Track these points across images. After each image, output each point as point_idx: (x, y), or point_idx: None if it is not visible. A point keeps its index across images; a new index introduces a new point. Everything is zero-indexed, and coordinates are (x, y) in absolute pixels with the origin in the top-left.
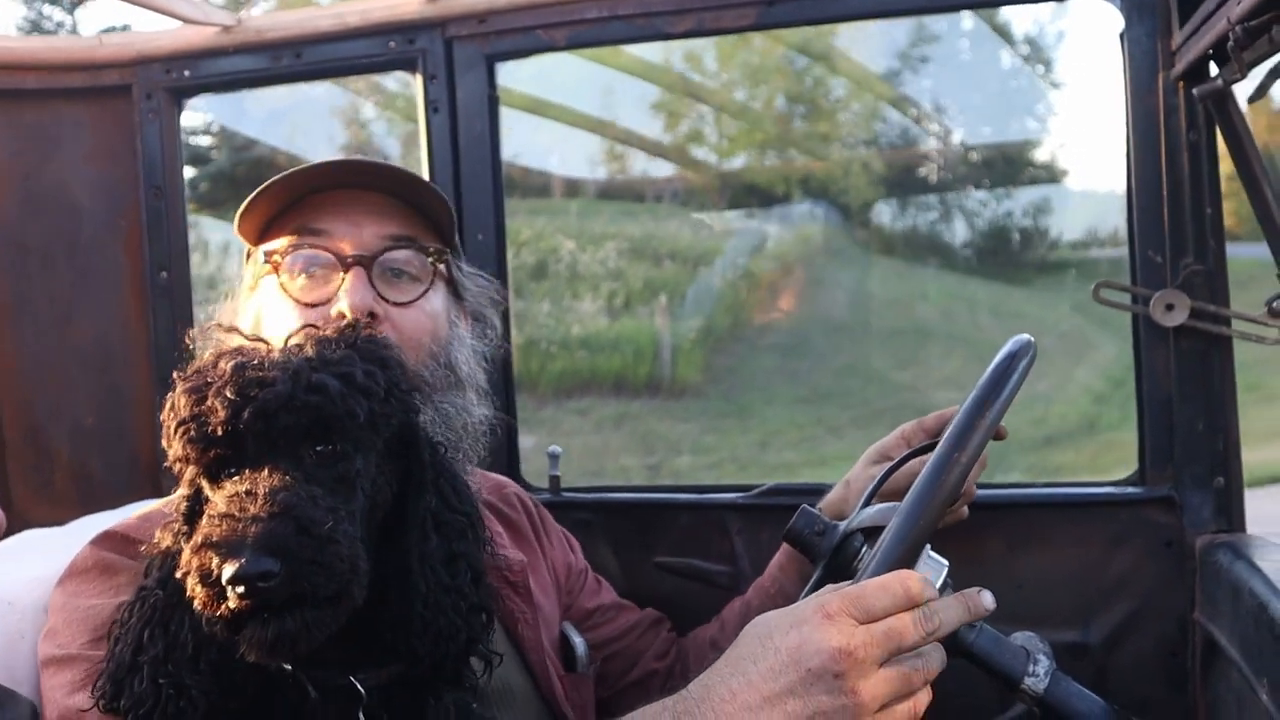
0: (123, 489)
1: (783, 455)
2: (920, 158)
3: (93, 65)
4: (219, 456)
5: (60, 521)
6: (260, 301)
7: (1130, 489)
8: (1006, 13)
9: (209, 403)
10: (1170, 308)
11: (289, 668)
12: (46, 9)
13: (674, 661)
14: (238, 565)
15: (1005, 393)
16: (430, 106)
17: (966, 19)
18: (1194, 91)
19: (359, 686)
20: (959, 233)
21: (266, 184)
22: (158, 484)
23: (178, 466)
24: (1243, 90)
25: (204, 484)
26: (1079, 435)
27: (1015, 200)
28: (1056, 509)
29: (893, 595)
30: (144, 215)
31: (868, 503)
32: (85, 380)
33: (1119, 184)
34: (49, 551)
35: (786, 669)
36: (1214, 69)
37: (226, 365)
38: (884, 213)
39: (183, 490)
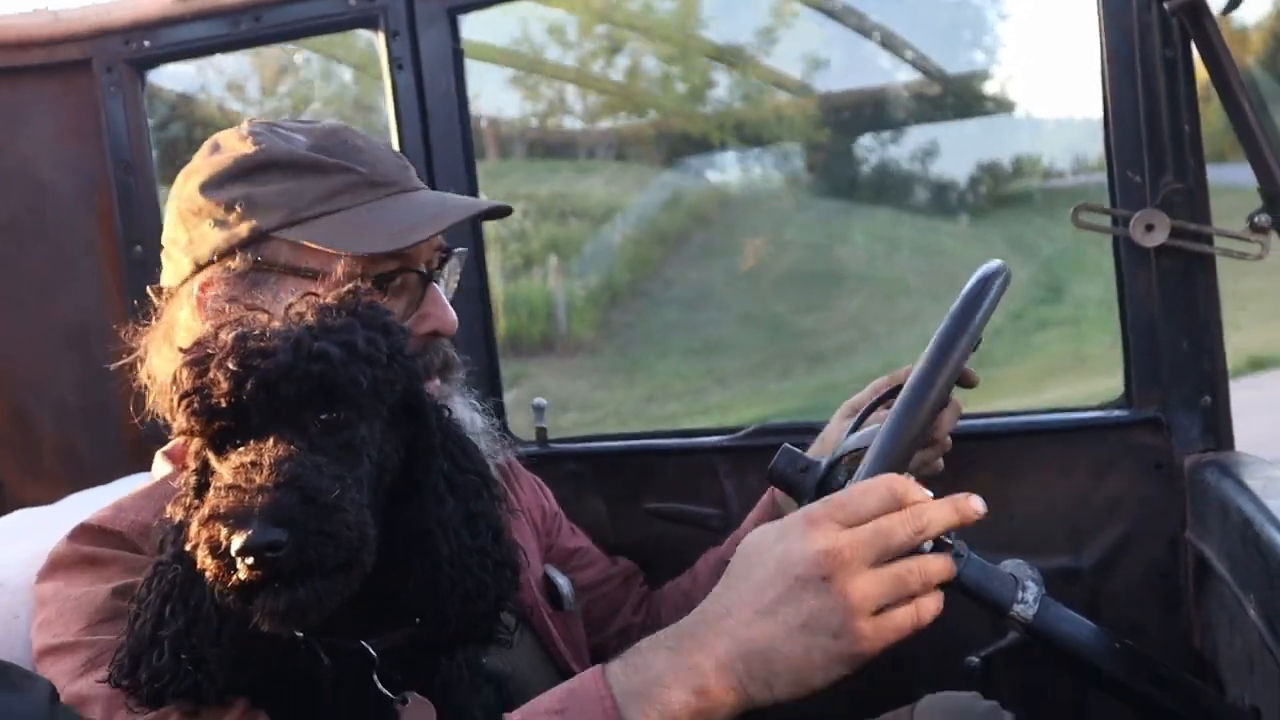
0: (111, 464)
1: (666, 407)
2: (866, 96)
3: (50, 41)
4: (223, 428)
5: (51, 500)
6: None
7: (1117, 412)
8: None
9: (211, 375)
10: (1150, 228)
11: (300, 635)
12: None
13: (646, 617)
14: (246, 536)
15: (981, 311)
16: (394, 64)
17: None
18: (1166, 6)
19: (371, 650)
20: (900, 172)
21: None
22: (144, 457)
23: (183, 440)
24: (1218, 4)
25: (210, 456)
26: (979, 367)
27: (960, 135)
28: (1043, 435)
29: (878, 497)
30: (114, 191)
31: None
32: (66, 358)
33: (1066, 111)
34: (40, 531)
35: (775, 580)
36: None
37: (227, 336)
38: (823, 156)
39: (190, 464)
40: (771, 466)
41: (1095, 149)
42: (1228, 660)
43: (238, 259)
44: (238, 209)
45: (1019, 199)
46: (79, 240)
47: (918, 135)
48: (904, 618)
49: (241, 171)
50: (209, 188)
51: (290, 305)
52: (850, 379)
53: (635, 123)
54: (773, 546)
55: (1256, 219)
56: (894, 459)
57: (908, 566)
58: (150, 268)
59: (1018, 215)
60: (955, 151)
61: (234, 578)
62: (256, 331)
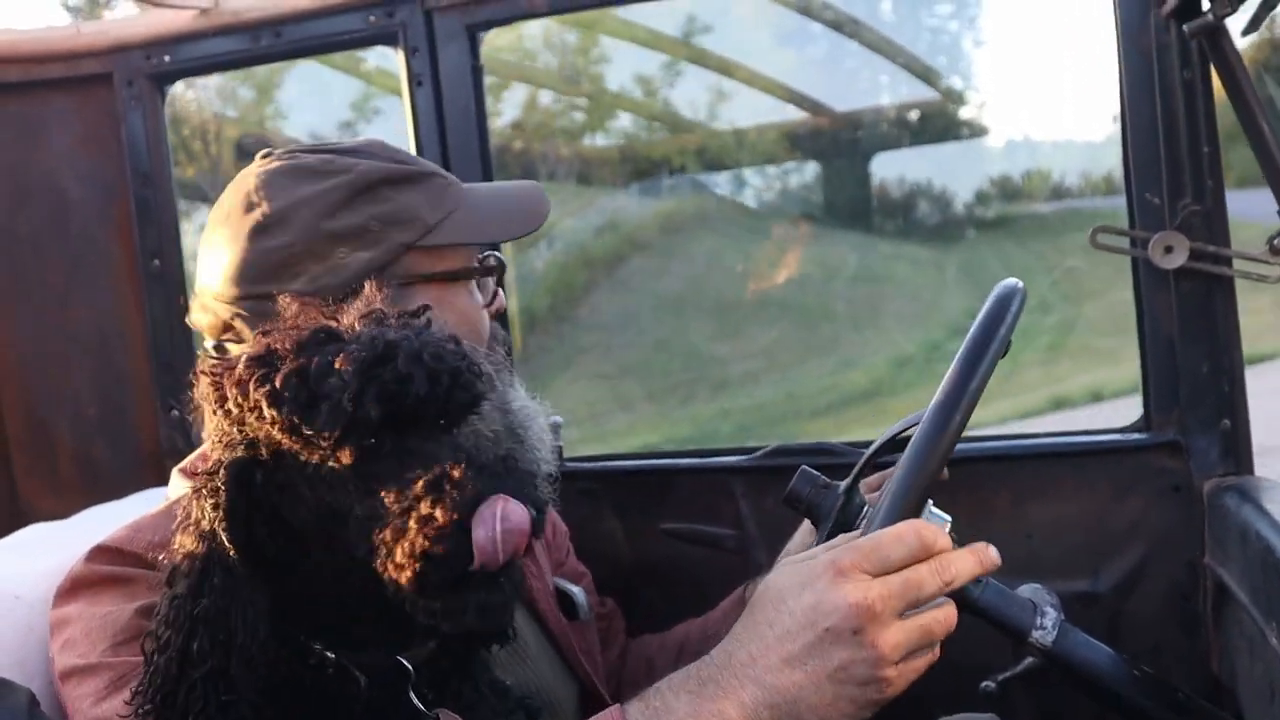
0: (127, 475)
1: (567, 432)
2: (840, 119)
3: (72, 55)
4: (401, 422)
5: (67, 511)
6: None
7: (1136, 435)
8: None
9: (402, 370)
10: (1169, 250)
11: (332, 655)
12: None
13: (618, 660)
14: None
15: (1000, 334)
16: (413, 80)
17: None
18: (1185, 28)
19: (407, 664)
20: (864, 197)
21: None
22: (161, 468)
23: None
24: (1238, 25)
25: (343, 453)
26: (869, 399)
27: (932, 160)
28: (1062, 458)
29: (908, 546)
30: (132, 203)
31: (859, 477)
32: (84, 369)
33: (1047, 135)
34: (55, 546)
35: (803, 629)
36: (1205, 4)
37: (394, 336)
38: (781, 180)
39: (339, 461)
40: (789, 489)
41: (1074, 175)
42: (1247, 687)
43: (386, 278)
44: (374, 229)
45: (992, 225)
46: (97, 252)
47: (887, 160)
48: (926, 661)
49: (352, 195)
50: (326, 216)
51: (365, 314)
52: (749, 406)
53: (599, 144)
54: (799, 594)
55: (1276, 241)
56: (916, 493)
57: (935, 617)
58: (168, 280)
59: (989, 241)
60: (926, 177)
61: (452, 567)
62: (422, 334)
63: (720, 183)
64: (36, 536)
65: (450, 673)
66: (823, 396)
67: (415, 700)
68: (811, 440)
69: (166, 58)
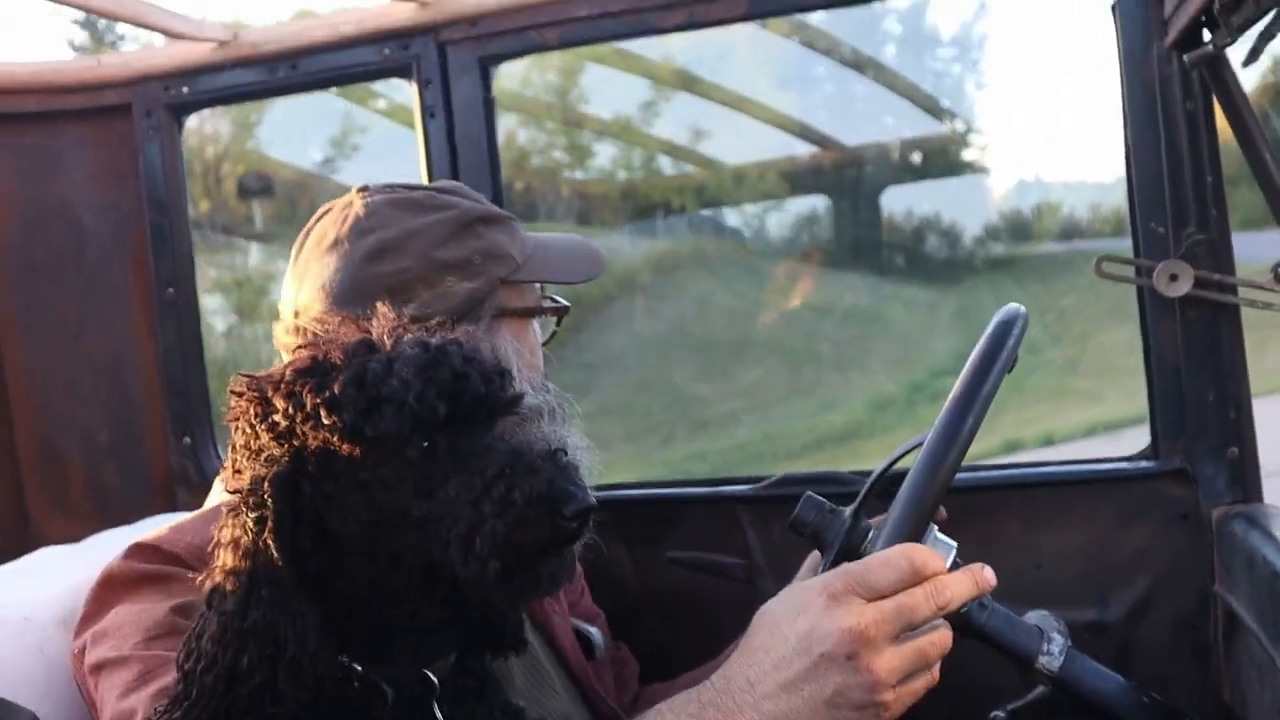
0: (137, 501)
1: None
2: (844, 155)
3: (92, 86)
4: (457, 421)
5: (77, 535)
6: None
7: (1144, 463)
8: (933, 18)
9: (459, 370)
10: (1174, 278)
11: (359, 668)
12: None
13: (630, 705)
14: (580, 500)
15: (1001, 359)
16: (426, 112)
17: (893, 23)
18: (1187, 59)
19: (433, 677)
20: (870, 238)
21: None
22: (171, 495)
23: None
24: (1239, 55)
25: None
26: (845, 441)
27: (937, 199)
28: (1070, 486)
29: (897, 570)
30: (148, 233)
31: (864, 502)
32: (96, 395)
33: (1055, 177)
34: (65, 569)
35: (799, 655)
36: (1207, 35)
37: (438, 342)
38: (780, 219)
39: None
40: (795, 515)
41: (1083, 209)
42: (1258, 715)
43: (482, 309)
44: (476, 262)
45: (996, 265)
46: (112, 280)
47: (893, 197)
48: (923, 684)
49: (460, 228)
50: (438, 246)
51: (392, 329)
52: (726, 447)
53: (599, 183)
54: (794, 620)
55: None
56: (918, 518)
57: (930, 640)
58: (181, 309)
59: (988, 282)
60: (934, 213)
61: (536, 538)
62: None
63: (719, 222)
64: (47, 559)
65: (469, 692)
66: (799, 438)
67: (439, 714)
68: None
69: (185, 89)
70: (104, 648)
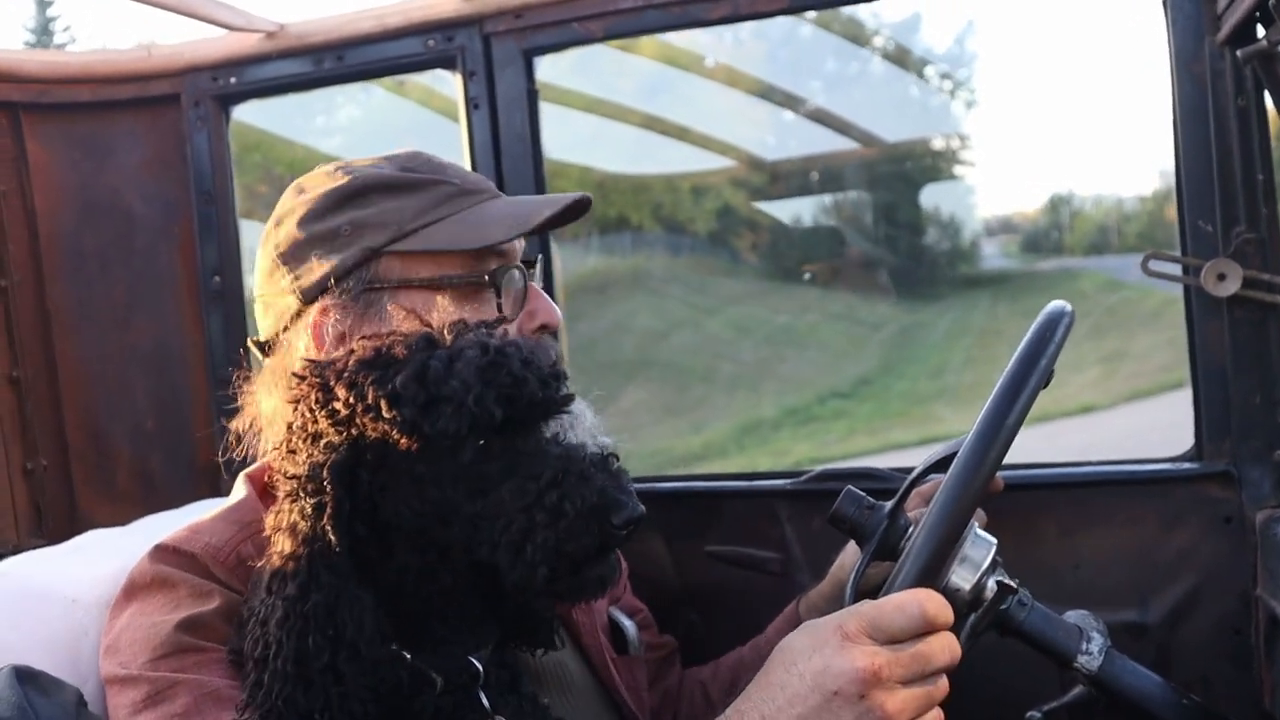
0: (183, 488)
1: None
2: (813, 162)
3: (142, 76)
4: (513, 423)
5: (123, 521)
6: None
7: (1187, 465)
8: (924, 37)
9: (518, 374)
10: (1222, 277)
11: (408, 656)
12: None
13: (663, 702)
14: (632, 508)
15: (1045, 358)
16: (470, 103)
17: (882, 42)
18: (1239, 54)
19: (478, 665)
20: (807, 255)
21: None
22: (216, 483)
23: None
24: None
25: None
26: (693, 463)
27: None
28: (1112, 487)
29: (909, 616)
30: (195, 221)
31: (903, 498)
32: (144, 383)
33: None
34: (112, 551)
35: (811, 693)
36: (1260, 31)
37: (498, 342)
38: (728, 237)
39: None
40: (834, 509)
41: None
42: None
43: (351, 281)
44: (344, 234)
45: (971, 282)
46: (160, 268)
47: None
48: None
49: (340, 200)
50: (308, 221)
51: (462, 329)
52: None
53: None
54: (809, 657)
55: None
56: (957, 517)
57: (940, 684)
58: (228, 298)
59: (964, 300)
60: (896, 233)
61: (584, 545)
62: (520, 341)
63: (669, 240)
64: (94, 541)
65: (505, 684)
66: (653, 458)
67: (484, 700)
68: None
69: (233, 80)
70: (114, 661)
